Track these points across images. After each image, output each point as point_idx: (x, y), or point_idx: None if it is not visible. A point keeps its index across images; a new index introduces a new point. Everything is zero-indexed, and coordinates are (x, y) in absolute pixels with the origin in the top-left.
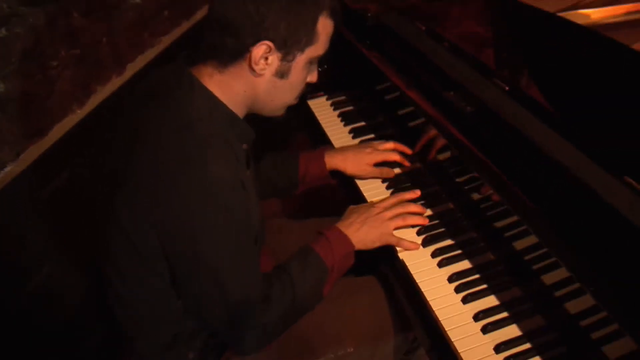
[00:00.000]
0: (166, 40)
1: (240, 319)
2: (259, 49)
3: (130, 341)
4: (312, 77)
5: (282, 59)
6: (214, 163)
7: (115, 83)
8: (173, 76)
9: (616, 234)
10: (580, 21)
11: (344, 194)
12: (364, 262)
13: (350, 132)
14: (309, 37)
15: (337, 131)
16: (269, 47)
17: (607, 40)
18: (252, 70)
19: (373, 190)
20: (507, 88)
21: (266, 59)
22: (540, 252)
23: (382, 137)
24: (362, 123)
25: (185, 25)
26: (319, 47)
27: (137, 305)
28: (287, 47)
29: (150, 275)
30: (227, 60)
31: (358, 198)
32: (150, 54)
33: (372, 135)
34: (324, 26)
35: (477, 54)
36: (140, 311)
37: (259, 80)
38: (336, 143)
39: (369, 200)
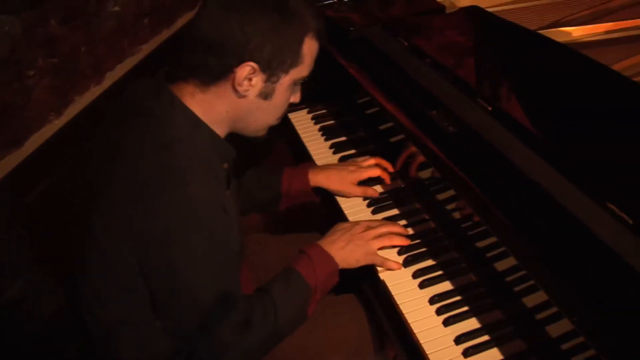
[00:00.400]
0: (146, 49)
1: (219, 343)
2: (243, 70)
3: None
4: (295, 98)
5: (266, 80)
6: (193, 185)
7: (94, 92)
8: (153, 93)
9: (596, 260)
10: (561, 39)
11: (326, 210)
12: (344, 280)
13: (331, 147)
14: (294, 59)
15: (318, 146)
16: (253, 68)
17: (588, 60)
18: (235, 91)
19: (354, 207)
20: (489, 108)
21: (250, 79)
22: (521, 273)
23: (364, 153)
24: (343, 138)
25: (165, 34)
26: (303, 69)
27: (112, 326)
28: (272, 69)
29: (127, 295)
30: (210, 80)
31: (339, 215)
32: (129, 63)
33: (353, 151)
34: (310, 47)
35: (460, 70)
36: (116, 332)
37: (242, 101)
38: (317, 158)
39: (349, 217)
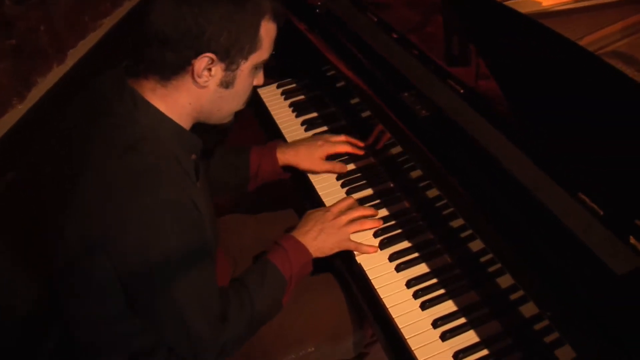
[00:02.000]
0: (108, 23)
1: (198, 339)
2: (201, 62)
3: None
4: (259, 81)
5: (226, 69)
6: (162, 187)
7: (57, 72)
8: (114, 91)
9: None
10: (530, 8)
11: (297, 189)
12: (320, 260)
13: (302, 123)
14: (252, 44)
15: (288, 123)
16: (211, 58)
17: (556, 37)
18: (196, 82)
19: (327, 188)
20: (461, 91)
21: (209, 70)
22: (489, 257)
23: (336, 129)
24: (314, 114)
25: (127, 5)
26: (263, 52)
27: (91, 323)
28: (230, 57)
29: (104, 295)
30: (169, 74)
31: (312, 195)
32: (92, 39)
33: (325, 128)
34: (267, 31)
35: (430, 48)
36: (95, 328)
37: (204, 91)
38: (288, 136)
39: (323, 199)
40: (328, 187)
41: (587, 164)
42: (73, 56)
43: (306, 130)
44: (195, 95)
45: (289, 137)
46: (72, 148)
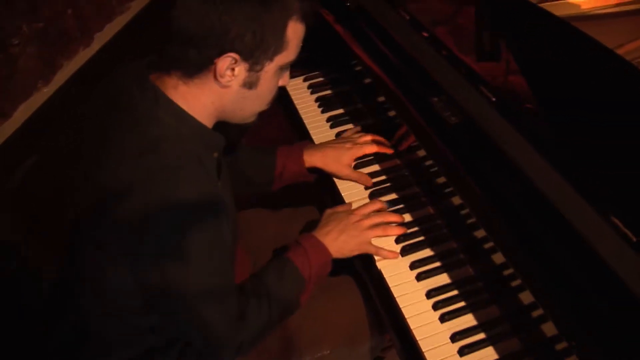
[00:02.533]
0: (136, 6)
1: (215, 338)
2: (224, 61)
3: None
4: (284, 81)
5: (250, 69)
6: (183, 185)
7: (83, 56)
8: (136, 88)
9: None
10: (568, 11)
11: (320, 190)
12: (340, 262)
13: (328, 120)
14: (278, 45)
15: (314, 118)
16: (235, 58)
17: (590, 41)
18: (218, 82)
19: (351, 189)
20: (493, 99)
21: (232, 70)
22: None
23: (362, 128)
24: (341, 110)
25: None
26: (289, 54)
27: (106, 320)
28: (255, 57)
29: (121, 294)
30: (192, 71)
31: (336, 197)
32: (119, 22)
33: (350, 126)
34: (294, 31)
35: (463, 52)
36: (111, 325)
37: (226, 91)
38: (313, 132)
39: (346, 200)
40: (352, 188)
41: (622, 186)
42: (99, 39)
43: (331, 127)
44: (218, 94)
45: (313, 132)
46: (92, 143)
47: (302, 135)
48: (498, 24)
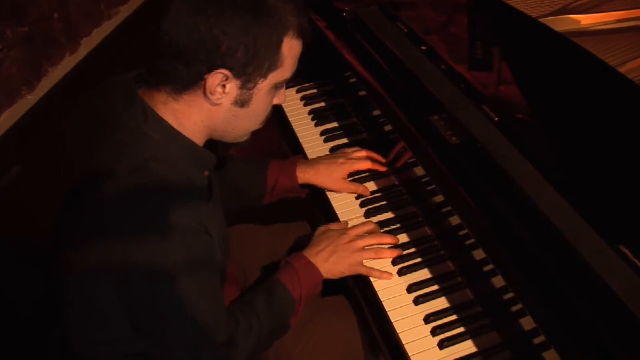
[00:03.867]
0: (125, 11)
1: None
2: (214, 78)
3: None
4: (279, 99)
5: (242, 87)
6: (172, 211)
7: (69, 62)
8: (123, 103)
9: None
10: (568, 27)
11: (315, 207)
12: (332, 281)
13: (322, 133)
14: (273, 62)
15: (307, 132)
16: (226, 75)
17: (592, 59)
18: (208, 99)
19: (346, 207)
20: (496, 119)
21: (223, 87)
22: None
23: (356, 142)
24: (334, 124)
25: None
26: (284, 71)
27: (91, 343)
28: (247, 74)
29: (107, 318)
30: (181, 88)
31: (329, 214)
32: (107, 27)
33: (345, 140)
34: (290, 48)
35: (464, 68)
36: (96, 349)
37: (217, 109)
38: (306, 146)
39: (340, 218)
40: (346, 206)
41: (631, 213)
42: (87, 45)
43: (325, 141)
44: (208, 112)
45: (307, 147)
46: (78, 160)
47: (294, 148)
48: (497, 38)
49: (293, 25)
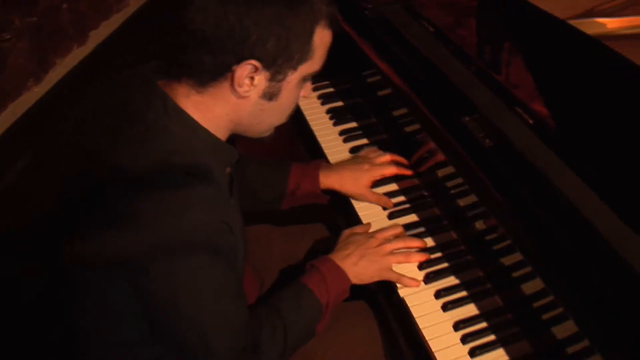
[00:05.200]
0: (134, 4)
1: None
2: (243, 69)
3: None
4: (305, 92)
5: (271, 79)
6: (195, 209)
7: (77, 54)
8: (143, 95)
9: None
10: (594, 31)
11: (336, 211)
12: (353, 286)
13: (341, 134)
14: (304, 53)
15: (326, 132)
16: (255, 66)
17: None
18: (235, 91)
19: (369, 209)
20: (531, 122)
21: (252, 79)
22: (552, 298)
23: (376, 143)
24: (354, 124)
25: None
26: (314, 63)
27: (104, 348)
28: (277, 66)
29: (123, 320)
30: (206, 79)
31: (352, 218)
32: (116, 20)
33: (365, 141)
34: (322, 39)
35: (495, 69)
36: (109, 355)
37: (243, 102)
38: (325, 145)
39: (364, 220)
40: (369, 208)
41: None
42: (94, 38)
43: (345, 141)
44: (234, 105)
45: (326, 147)
46: (92, 154)
47: (311, 148)
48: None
49: (324, 14)
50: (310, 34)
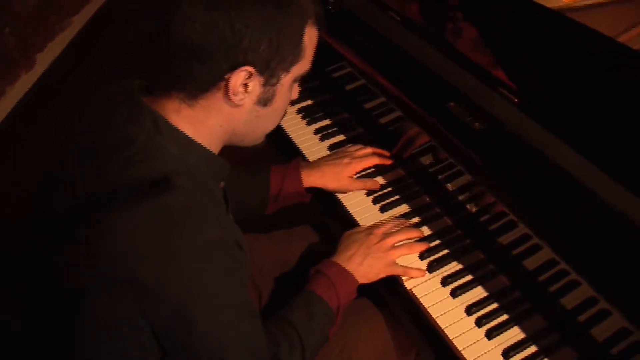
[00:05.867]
0: (78, 21)
1: None
2: (237, 76)
3: None
4: (295, 94)
5: (265, 84)
6: (206, 227)
7: (26, 80)
8: (128, 115)
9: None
10: (554, 4)
11: (318, 206)
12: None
13: (316, 132)
14: (295, 54)
15: (300, 132)
16: (249, 72)
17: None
18: (230, 100)
19: (359, 206)
20: (516, 100)
21: (246, 85)
22: (557, 268)
23: (354, 138)
24: (327, 121)
25: (96, 2)
26: (305, 63)
27: None
28: (271, 69)
29: (134, 345)
30: (197, 91)
31: (343, 215)
32: (62, 40)
33: (342, 137)
34: (310, 37)
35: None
36: None
37: (238, 111)
38: (303, 147)
39: (356, 217)
40: (359, 205)
41: None
42: (42, 61)
43: (321, 139)
44: (228, 115)
45: (304, 147)
46: (85, 183)
47: (288, 151)
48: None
49: (312, 12)
50: (300, 33)
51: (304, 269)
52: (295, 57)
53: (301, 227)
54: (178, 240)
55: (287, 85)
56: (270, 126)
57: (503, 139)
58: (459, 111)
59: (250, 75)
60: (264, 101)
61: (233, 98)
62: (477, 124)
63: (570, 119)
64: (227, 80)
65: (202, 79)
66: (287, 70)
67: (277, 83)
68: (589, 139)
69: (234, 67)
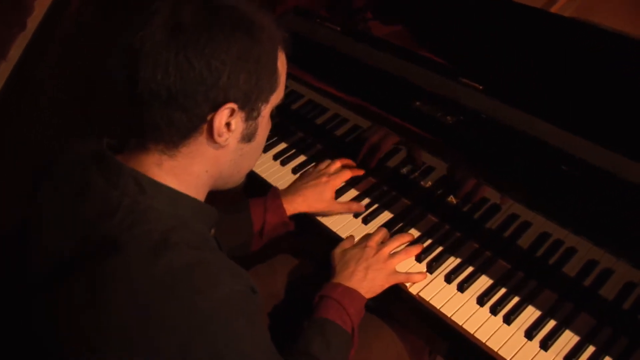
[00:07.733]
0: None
1: None
2: (221, 116)
3: None
4: (269, 125)
5: (247, 119)
6: (220, 280)
7: None
8: (108, 181)
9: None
10: None
11: (307, 234)
12: None
13: (275, 158)
14: (272, 82)
15: (259, 161)
16: (232, 109)
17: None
18: (214, 142)
19: (342, 223)
20: (480, 87)
21: (228, 124)
22: (551, 240)
23: (315, 156)
24: (283, 144)
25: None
26: (280, 90)
27: None
28: (251, 103)
29: None
30: (178, 139)
31: (326, 235)
32: None
33: (303, 157)
34: (282, 64)
35: (419, 47)
36: None
37: (223, 152)
38: (266, 175)
39: (341, 234)
40: (341, 222)
41: None
42: None
43: (282, 164)
44: (213, 158)
45: (266, 175)
46: (74, 254)
47: (251, 185)
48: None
49: (280, 37)
50: (274, 61)
51: (294, 297)
52: (272, 85)
53: (279, 256)
54: (193, 302)
55: (267, 116)
56: (253, 163)
57: (478, 126)
58: (428, 109)
59: (232, 113)
60: (248, 137)
61: (218, 139)
62: (448, 117)
63: (533, 92)
64: (210, 122)
65: (183, 125)
66: (267, 100)
67: (258, 116)
68: (555, 107)
69: (216, 107)
